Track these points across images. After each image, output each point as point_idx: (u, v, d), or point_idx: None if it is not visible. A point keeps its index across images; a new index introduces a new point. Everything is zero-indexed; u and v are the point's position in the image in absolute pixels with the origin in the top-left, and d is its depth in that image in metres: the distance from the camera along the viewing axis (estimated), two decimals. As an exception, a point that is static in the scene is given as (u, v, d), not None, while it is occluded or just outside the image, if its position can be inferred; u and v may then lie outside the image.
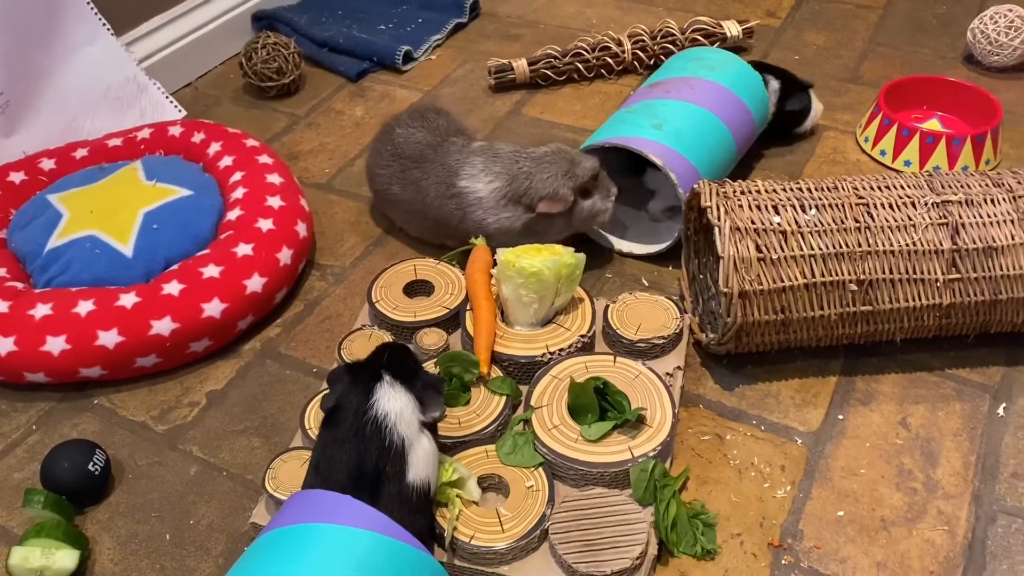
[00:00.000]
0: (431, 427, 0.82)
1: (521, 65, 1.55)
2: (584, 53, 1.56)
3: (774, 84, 1.35)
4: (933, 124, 1.41)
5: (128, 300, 1.04)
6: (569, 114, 1.51)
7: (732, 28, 1.59)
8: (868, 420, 0.99)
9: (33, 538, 0.85)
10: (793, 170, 1.35)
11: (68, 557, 0.85)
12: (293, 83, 1.57)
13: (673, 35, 1.57)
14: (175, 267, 1.09)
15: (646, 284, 1.18)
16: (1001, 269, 0.96)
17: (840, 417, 0.99)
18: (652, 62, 1.57)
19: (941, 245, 0.96)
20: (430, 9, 1.77)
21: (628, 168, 1.22)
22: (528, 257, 0.99)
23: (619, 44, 1.56)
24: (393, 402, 0.78)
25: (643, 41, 1.56)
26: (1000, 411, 0.99)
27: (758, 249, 0.95)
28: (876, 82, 1.51)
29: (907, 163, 1.32)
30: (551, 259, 0.99)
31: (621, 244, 1.22)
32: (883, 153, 1.34)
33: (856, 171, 1.34)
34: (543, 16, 1.79)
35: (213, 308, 1.05)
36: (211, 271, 1.07)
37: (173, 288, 1.05)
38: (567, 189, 1.10)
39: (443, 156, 1.16)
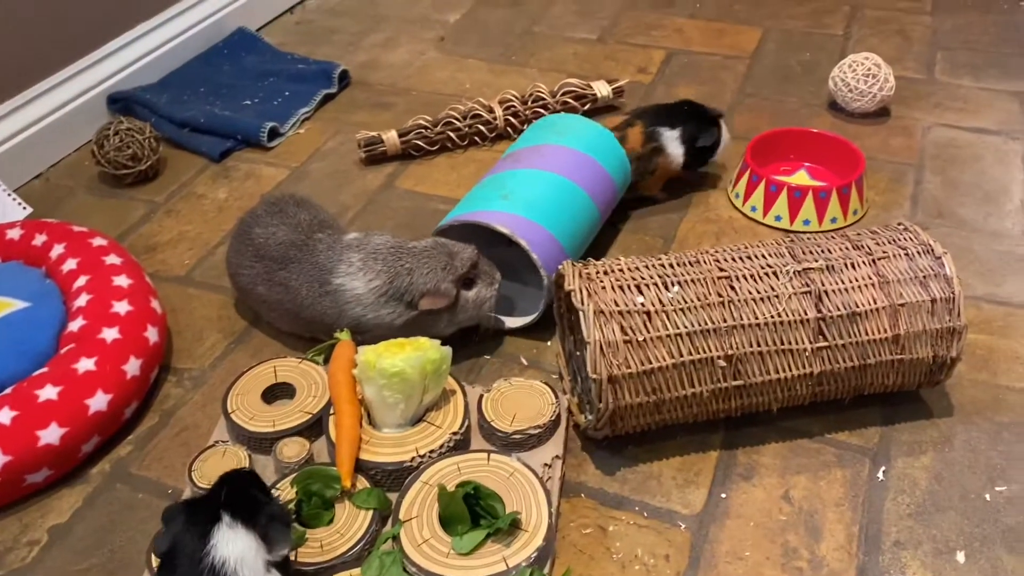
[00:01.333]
0: (281, 562, 0.76)
1: (391, 137, 1.51)
2: (455, 122, 1.53)
3: (670, 134, 1.33)
4: (801, 176, 1.42)
5: (-48, 434, 0.94)
6: (444, 184, 1.47)
7: (602, 89, 1.58)
8: (751, 496, 0.96)
9: None
10: (667, 230, 1.34)
11: None
12: (151, 168, 1.49)
13: (543, 99, 1.55)
14: (7, 391, 1.00)
15: (525, 363, 1.14)
16: (867, 334, 0.95)
17: (723, 496, 0.96)
18: (524, 127, 1.55)
19: (806, 314, 0.94)
20: (298, 81, 1.72)
21: (502, 242, 1.18)
22: (390, 356, 0.93)
23: (490, 111, 1.54)
24: (233, 546, 0.71)
25: (514, 106, 1.54)
26: (880, 475, 0.98)
27: (624, 331, 0.92)
28: (746, 134, 1.52)
29: (778, 218, 1.32)
30: (414, 356, 0.94)
31: (513, 321, 1.18)
32: (754, 209, 1.34)
33: (729, 228, 1.34)
34: (415, 83, 1.75)
35: (51, 435, 0.97)
36: (48, 392, 0.98)
37: (3, 416, 0.96)
38: (448, 283, 1.06)
39: (311, 255, 1.10)
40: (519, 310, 1.19)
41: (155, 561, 0.79)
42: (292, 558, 0.83)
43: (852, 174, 1.32)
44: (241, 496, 0.75)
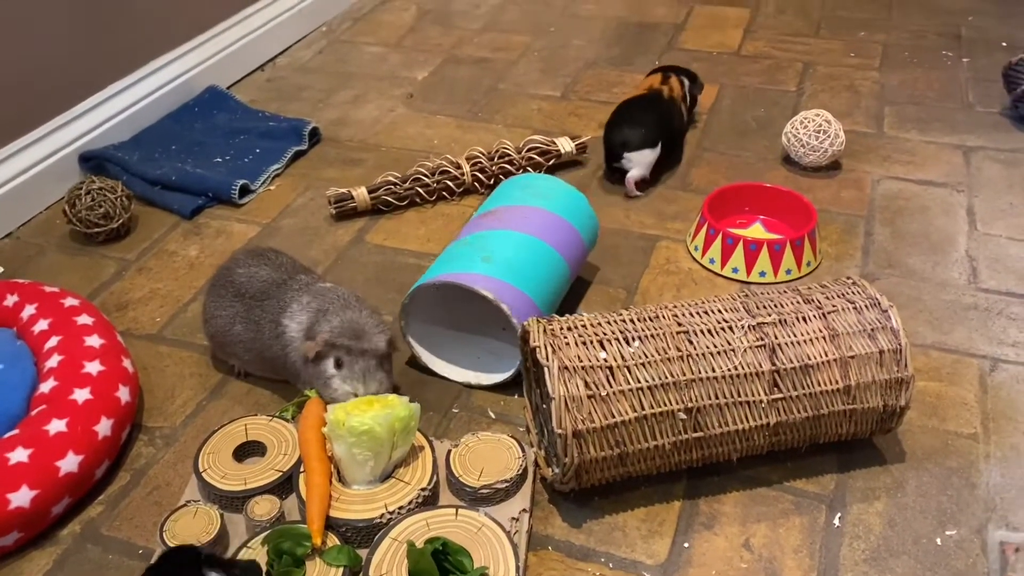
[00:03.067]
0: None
1: (361, 193, 1.55)
2: (424, 178, 1.57)
3: (687, 82, 1.70)
4: (756, 229, 1.47)
5: (-79, 499, 0.95)
6: (413, 239, 1.51)
7: (565, 145, 1.64)
8: (713, 545, 0.99)
9: None
10: (629, 282, 1.38)
11: None
12: (123, 226, 1.51)
13: (509, 155, 1.60)
14: (-23, 455, 1.00)
15: (493, 416, 1.17)
16: (819, 385, 0.99)
17: (686, 545, 0.99)
18: (492, 182, 1.60)
19: (761, 367, 0.98)
20: (269, 138, 1.75)
21: (472, 298, 1.19)
22: (359, 414, 0.96)
23: (458, 167, 1.58)
24: None
25: (481, 162, 1.59)
26: (836, 521, 1.01)
27: (587, 386, 0.95)
28: (704, 188, 1.58)
29: (735, 270, 1.37)
30: (383, 414, 0.96)
31: (487, 378, 1.21)
32: (712, 261, 1.39)
33: (689, 280, 1.38)
34: (384, 139, 1.80)
35: (21, 498, 0.97)
36: (19, 455, 0.99)
37: (-26, 480, 0.96)
38: (326, 337, 1.05)
39: (284, 293, 1.13)
40: (494, 367, 1.21)
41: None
42: (263, 617, 0.84)
43: (805, 227, 1.38)
44: (208, 556, 0.77)
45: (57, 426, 1.03)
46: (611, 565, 0.97)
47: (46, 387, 1.08)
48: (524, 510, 1.00)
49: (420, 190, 1.57)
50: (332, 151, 1.77)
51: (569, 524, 1.02)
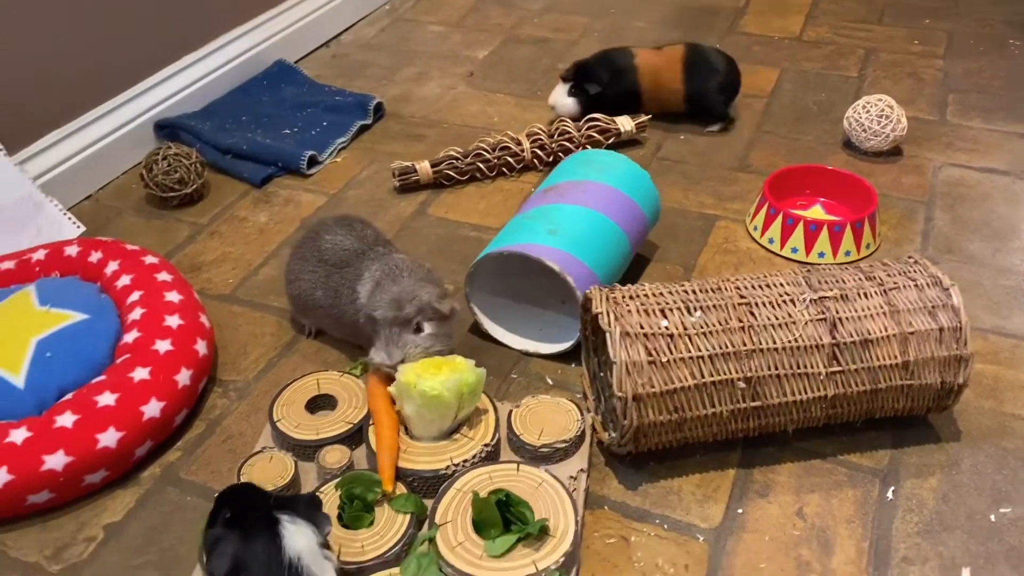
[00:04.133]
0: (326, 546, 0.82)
1: (424, 167, 1.58)
2: (485, 153, 1.60)
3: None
4: (816, 211, 1.48)
5: (19, 435, 1.01)
6: (473, 213, 1.54)
7: (625, 123, 1.66)
8: (766, 512, 1.01)
9: None
10: (687, 260, 1.40)
11: None
12: (196, 192, 1.57)
13: (569, 132, 1.63)
14: (69, 397, 1.06)
15: (551, 383, 1.20)
16: (878, 360, 1.01)
17: (740, 511, 1.01)
18: (551, 159, 1.63)
19: (821, 340, 1.00)
20: (335, 112, 1.80)
21: (543, 272, 1.19)
22: (428, 377, 0.99)
23: (518, 143, 1.61)
24: (299, 540, 0.78)
25: (541, 139, 1.62)
26: (889, 495, 1.03)
27: (648, 353, 0.98)
28: (763, 170, 1.59)
29: (794, 250, 1.38)
30: (451, 378, 0.99)
31: (548, 347, 1.24)
32: (771, 241, 1.40)
33: (747, 259, 1.40)
34: (446, 115, 1.83)
35: (109, 438, 1.03)
36: (106, 399, 1.05)
37: (67, 420, 1.02)
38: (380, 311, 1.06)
39: (361, 262, 1.16)
40: (554, 338, 1.25)
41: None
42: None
43: (865, 210, 1.38)
44: (275, 498, 0.82)
45: (141, 374, 1.09)
46: (666, 526, 1.00)
47: (130, 337, 1.14)
48: (582, 470, 1.03)
49: (481, 165, 1.60)
50: (395, 126, 1.81)
51: (625, 486, 1.05)
